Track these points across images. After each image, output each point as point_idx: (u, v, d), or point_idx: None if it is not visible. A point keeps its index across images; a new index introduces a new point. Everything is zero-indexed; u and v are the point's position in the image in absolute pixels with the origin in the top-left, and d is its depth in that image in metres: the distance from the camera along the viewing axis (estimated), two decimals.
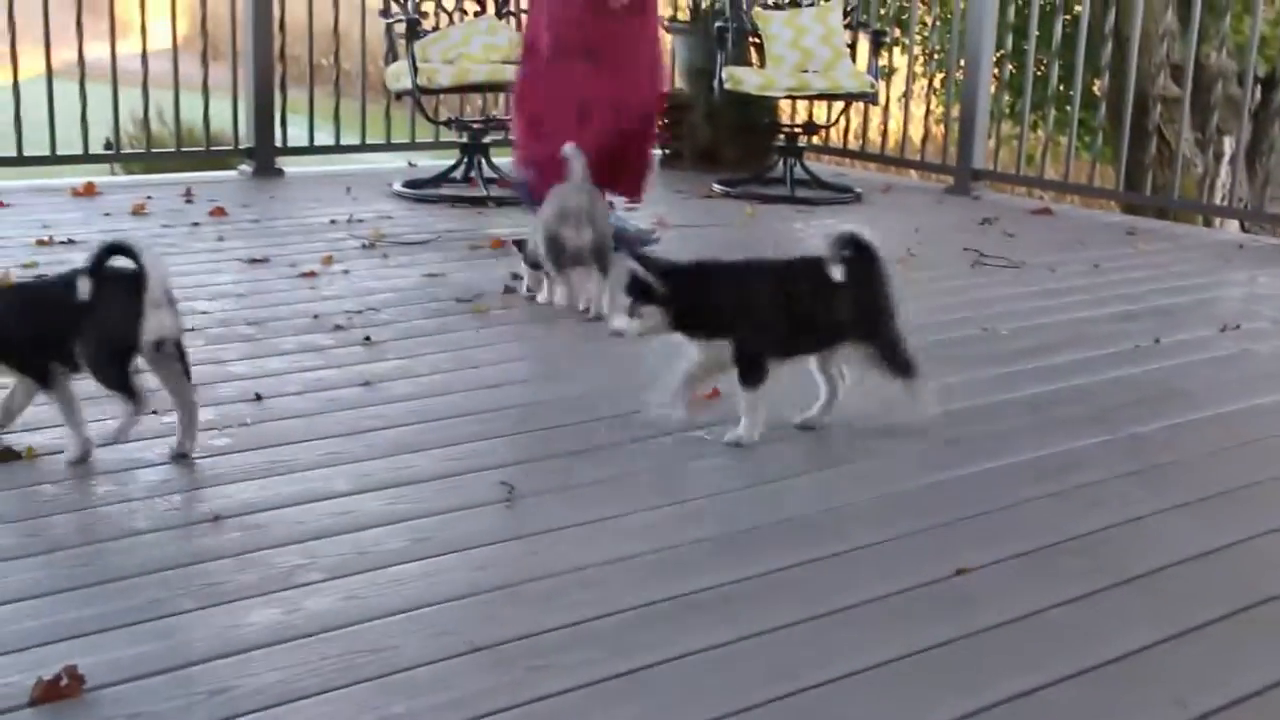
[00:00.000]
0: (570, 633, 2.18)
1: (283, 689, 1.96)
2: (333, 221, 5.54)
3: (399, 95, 6.37)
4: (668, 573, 2.42)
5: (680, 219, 5.80)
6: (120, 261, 2.71)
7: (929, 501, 2.80)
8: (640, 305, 2.93)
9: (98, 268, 2.70)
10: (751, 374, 3.00)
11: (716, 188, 6.61)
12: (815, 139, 7.18)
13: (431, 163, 6.88)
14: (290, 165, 6.72)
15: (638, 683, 2.04)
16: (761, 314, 3.04)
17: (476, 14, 6.61)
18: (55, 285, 2.80)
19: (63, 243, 4.88)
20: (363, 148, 7.27)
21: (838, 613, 2.28)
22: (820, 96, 6.67)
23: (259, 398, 3.27)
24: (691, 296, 2.98)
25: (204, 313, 3.96)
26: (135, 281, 2.68)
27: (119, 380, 2.74)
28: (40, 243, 4.87)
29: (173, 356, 2.80)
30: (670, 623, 2.24)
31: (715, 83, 6.58)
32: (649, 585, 2.36)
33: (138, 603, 2.22)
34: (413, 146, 7.27)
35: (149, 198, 5.82)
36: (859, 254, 3.01)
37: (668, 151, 7.31)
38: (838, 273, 2.96)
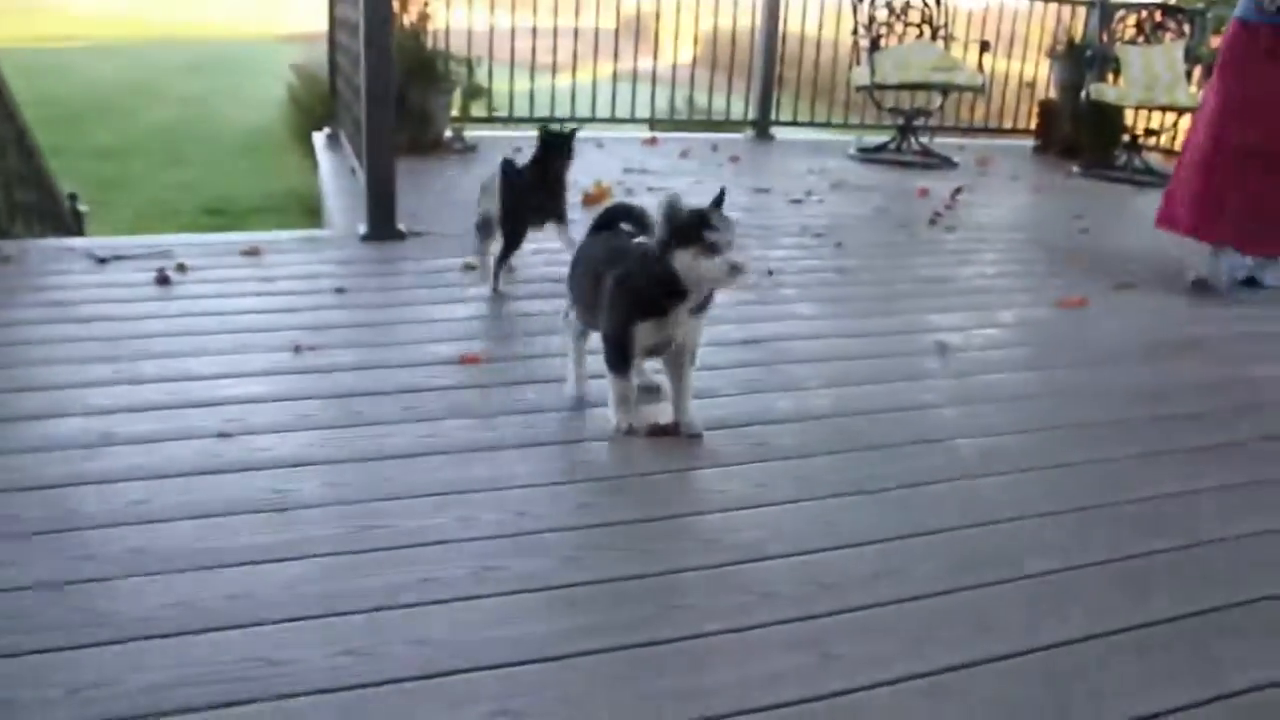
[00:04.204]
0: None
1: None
2: (809, 171, 7.31)
3: (859, 89, 8.14)
4: None
5: (1049, 190, 7.54)
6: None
7: None
8: None
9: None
10: None
11: (1074, 169, 8.26)
12: (1154, 140, 8.42)
13: (874, 139, 8.48)
14: (779, 133, 8.58)
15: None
16: None
17: (918, 36, 8.45)
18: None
19: (639, 171, 6.67)
20: (828, 125, 9.18)
21: None
22: (1162, 108, 7.93)
23: (770, 273, 4.50)
24: None
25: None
26: None
27: None
28: (626, 170, 6.66)
29: None
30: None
31: (1082, 95, 8.18)
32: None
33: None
34: (862, 126, 9.02)
35: (689, 149, 7.87)
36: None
37: (1038, 144, 8.96)
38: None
